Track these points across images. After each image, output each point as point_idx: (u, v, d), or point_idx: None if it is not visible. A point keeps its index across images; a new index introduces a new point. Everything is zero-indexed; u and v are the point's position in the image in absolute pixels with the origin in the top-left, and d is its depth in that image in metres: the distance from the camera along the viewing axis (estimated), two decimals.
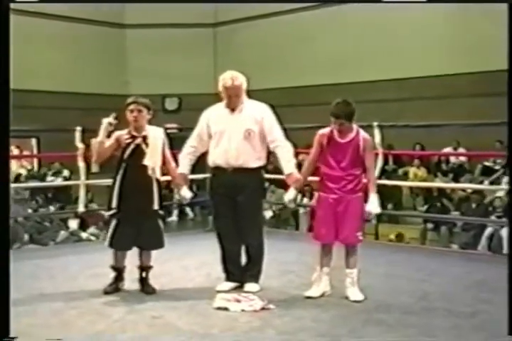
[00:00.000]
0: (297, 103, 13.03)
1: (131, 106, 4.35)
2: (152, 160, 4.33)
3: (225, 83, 4.39)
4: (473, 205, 9.90)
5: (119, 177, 4.38)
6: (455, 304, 4.13)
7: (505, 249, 8.86)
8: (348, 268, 4.27)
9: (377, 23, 12.62)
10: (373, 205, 4.22)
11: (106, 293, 4.37)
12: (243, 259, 4.59)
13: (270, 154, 4.54)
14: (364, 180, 4.32)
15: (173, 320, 3.80)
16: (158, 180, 4.41)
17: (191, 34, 15.45)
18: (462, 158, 11.96)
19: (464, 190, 10.44)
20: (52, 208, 11.66)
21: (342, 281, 4.31)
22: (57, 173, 13.52)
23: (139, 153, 4.35)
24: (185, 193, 4.55)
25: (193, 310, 4.01)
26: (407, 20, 12.22)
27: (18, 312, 3.59)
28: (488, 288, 4.58)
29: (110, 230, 4.41)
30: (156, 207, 4.40)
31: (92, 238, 10.58)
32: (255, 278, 4.50)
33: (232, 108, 4.43)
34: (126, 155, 4.38)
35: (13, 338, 2.99)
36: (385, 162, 8.97)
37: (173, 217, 13.78)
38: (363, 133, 4.28)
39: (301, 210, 11.06)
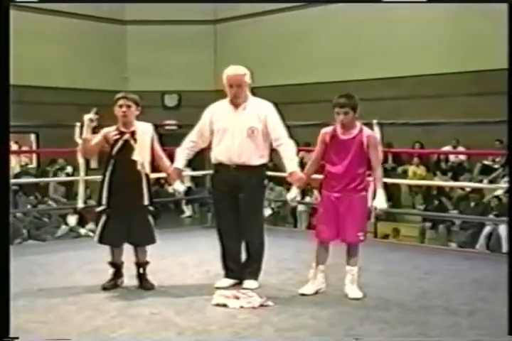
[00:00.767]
0: (296, 101, 13.01)
1: (120, 102, 4.35)
2: (141, 155, 4.33)
3: (227, 72, 4.40)
4: (472, 204, 9.90)
5: (108, 174, 4.39)
6: (453, 302, 4.14)
7: (504, 248, 8.88)
8: (348, 265, 4.27)
9: (375, 22, 12.62)
10: (380, 200, 4.21)
11: (104, 289, 4.37)
12: (243, 256, 4.59)
13: (272, 152, 4.54)
14: (370, 179, 4.31)
15: (171, 316, 3.80)
16: (147, 176, 4.41)
17: (191, 31, 15.43)
18: (461, 157, 11.96)
19: (462, 188, 10.44)
20: (51, 204, 11.65)
21: (340, 279, 4.32)
22: (61, 169, 13.50)
23: (127, 148, 4.35)
24: (179, 186, 4.54)
25: (192, 306, 4.01)
26: (404, 18, 12.21)
27: (15, 307, 3.59)
28: (486, 287, 4.58)
29: (100, 226, 4.42)
30: (146, 202, 4.40)
31: (91, 234, 10.55)
32: (254, 275, 4.51)
33: (235, 101, 4.42)
34: (114, 151, 4.38)
35: (13, 338, 2.99)
36: (385, 160, 8.98)
37: (188, 213, 13.76)
38: (366, 130, 4.27)
39: (300, 208, 11.06)
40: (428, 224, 10.13)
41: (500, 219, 9.01)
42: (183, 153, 4.56)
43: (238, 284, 4.47)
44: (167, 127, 11.82)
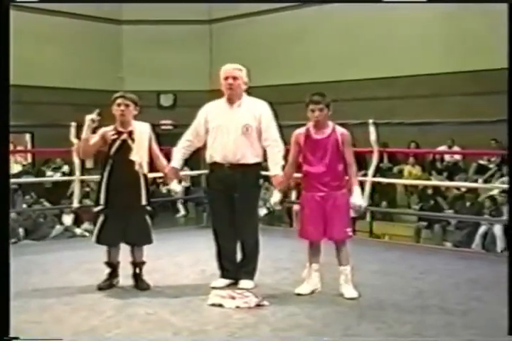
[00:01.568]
0: (291, 100, 12.95)
1: (118, 101, 4.35)
2: (139, 155, 4.33)
3: (224, 67, 4.44)
4: (467, 204, 9.92)
5: (106, 174, 4.38)
6: (448, 302, 4.14)
7: (499, 247, 8.90)
8: (341, 265, 4.27)
9: (371, 22, 12.61)
10: (357, 197, 4.24)
11: (100, 289, 4.37)
12: (238, 256, 4.59)
13: (265, 151, 4.55)
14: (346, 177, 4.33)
15: (167, 316, 3.80)
16: (145, 176, 4.40)
17: (187, 31, 15.41)
18: (457, 157, 11.97)
19: (458, 188, 10.46)
20: (46, 204, 11.63)
21: (335, 278, 4.32)
22: (56, 169, 13.48)
23: (125, 148, 4.34)
24: (175, 187, 4.56)
25: (187, 306, 4.01)
26: (400, 19, 12.21)
27: (10, 307, 3.58)
28: (481, 286, 4.59)
29: (97, 226, 4.42)
30: (143, 202, 4.40)
31: (86, 234, 10.56)
32: (250, 275, 4.51)
33: (229, 95, 4.42)
34: (112, 151, 4.37)
35: (13, 338, 2.98)
36: (380, 160, 8.98)
37: (182, 212, 13.75)
38: (339, 129, 4.29)
39: (296, 207, 11.05)
40: (423, 224, 10.14)
41: (495, 219, 9.04)
42: (179, 152, 4.56)
43: (234, 284, 4.47)
44: (163, 127, 11.81)
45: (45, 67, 14.01)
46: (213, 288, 4.37)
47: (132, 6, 15.27)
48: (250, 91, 4.56)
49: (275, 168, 4.40)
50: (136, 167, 4.32)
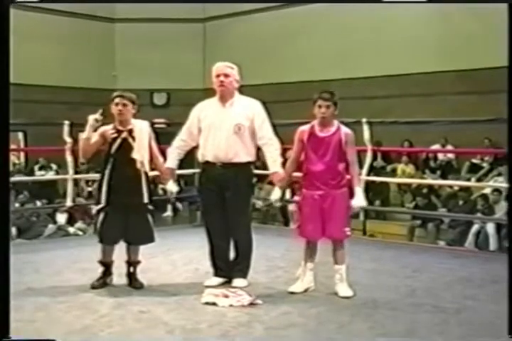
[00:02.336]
0: (285, 99, 13.01)
1: (117, 100, 4.34)
2: (140, 154, 4.32)
3: (215, 65, 4.44)
4: (460, 202, 9.94)
5: (107, 172, 4.37)
6: (441, 300, 4.15)
7: (492, 246, 8.93)
8: (336, 264, 4.28)
9: (365, 21, 12.61)
10: (358, 199, 4.24)
11: (93, 287, 4.36)
12: (231, 254, 4.59)
13: (259, 150, 4.55)
14: (348, 176, 4.33)
15: (160, 314, 3.80)
16: (146, 174, 4.40)
17: (180, 29, 15.38)
18: (450, 155, 12.00)
19: (451, 186, 10.48)
20: (39, 203, 11.59)
21: (329, 277, 4.33)
22: (44, 168, 13.45)
23: (126, 147, 4.34)
24: (172, 187, 4.55)
25: (181, 305, 4.01)
26: (394, 17, 12.22)
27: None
28: (474, 285, 4.61)
29: (98, 224, 4.40)
30: (145, 200, 4.39)
31: (80, 233, 10.53)
32: (243, 274, 4.51)
33: (221, 93, 4.41)
34: (113, 150, 4.36)
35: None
36: (374, 158, 8.99)
37: (168, 212, 13.71)
38: (344, 128, 4.29)
39: (291, 208, 11.05)
40: (417, 222, 10.16)
41: (488, 218, 9.07)
42: (174, 152, 4.57)
43: (227, 282, 4.47)
44: (156, 126, 11.77)
45: (38, 65, 13.96)
46: (207, 286, 4.37)
47: (125, 4, 15.23)
48: (244, 89, 4.55)
49: (274, 165, 4.39)
50: (138, 165, 4.31)
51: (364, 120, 6.42)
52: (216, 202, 4.47)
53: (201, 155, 4.50)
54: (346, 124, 4.40)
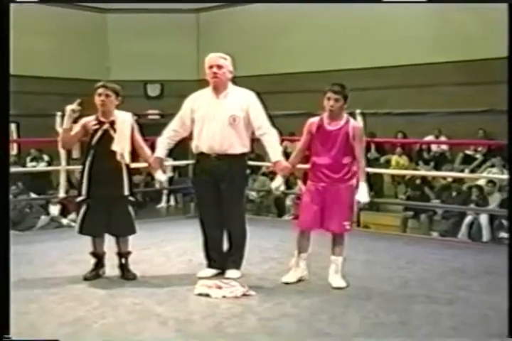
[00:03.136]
0: (280, 90, 12.99)
1: (99, 90, 4.31)
2: (120, 146, 4.30)
3: (208, 56, 4.41)
4: (454, 193, 9.97)
5: (87, 164, 4.36)
6: (434, 291, 4.17)
7: (485, 237, 8.96)
8: (333, 255, 4.28)
9: (360, 12, 12.57)
10: (362, 194, 4.22)
11: (86, 279, 4.36)
12: (225, 246, 4.58)
13: (254, 142, 4.53)
14: (355, 169, 4.32)
15: (153, 306, 3.79)
16: (127, 166, 4.38)
17: (174, 19, 15.29)
18: (443, 147, 12.01)
19: (444, 178, 10.50)
20: (32, 194, 11.56)
21: (323, 268, 4.33)
22: (36, 159, 13.41)
23: (107, 138, 4.31)
24: (160, 176, 4.52)
25: (174, 296, 4.01)
26: (390, 9, 12.17)
27: None
28: (466, 276, 4.63)
29: (80, 216, 4.40)
30: (126, 192, 4.37)
31: (73, 224, 10.49)
32: (237, 265, 4.51)
33: (214, 85, 4.38)
34: (94, 141, 4.34)
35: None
36: (368, 150, 8.99)
37: (163, 204, 13.73)
38: (353, 122, 4.28)
39: (288, 202, 11.07)
40: (410, 214, 10.18)
41: (481, 209, 9.09)
42: (163, 142, 4.53)
43: (220, 274, 4.47)
44: (150, 117, 11.75)
45: (31, 56, 13.86)
46: (200, 277, 4.37)
47: None
48: (238, 80, 4.53)
49: (275, 154, 4.37)
50: (118, 157, 4.29)
51: (358, 111, 6.40)
52: (210, 194, 4.46)
53: (195, 147, 4.48)
54: None
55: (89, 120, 4.36)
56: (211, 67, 4.36)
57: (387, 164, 11.86)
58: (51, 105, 8.53)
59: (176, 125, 4.53)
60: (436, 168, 11.21)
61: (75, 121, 4.37)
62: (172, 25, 15.22)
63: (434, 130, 11.41)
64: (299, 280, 4.31)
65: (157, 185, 4.57)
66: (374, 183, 11.14)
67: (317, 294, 4.06)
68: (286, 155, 4.51)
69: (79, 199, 4.39)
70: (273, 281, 4.37)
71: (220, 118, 4.36)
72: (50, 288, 4.15)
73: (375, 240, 6.19)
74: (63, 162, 6.67)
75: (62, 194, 6.86)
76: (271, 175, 9.66)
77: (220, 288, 4.07)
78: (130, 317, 3.60)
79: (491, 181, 9.38)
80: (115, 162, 4.29)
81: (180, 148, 4.73)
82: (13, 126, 14.30)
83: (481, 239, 8.95)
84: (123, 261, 4.45)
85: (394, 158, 11.90)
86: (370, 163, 10.96)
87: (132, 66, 14.69)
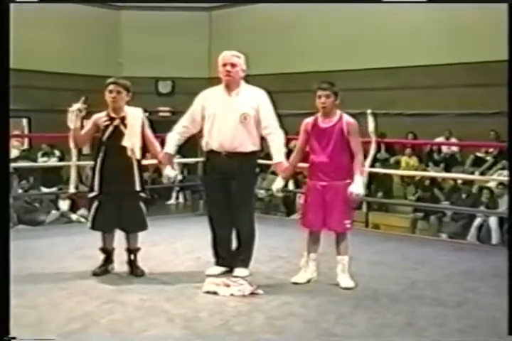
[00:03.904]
0: (290, 89, 12.97)
1: (110, 87, 4.32)
2: (131, 142, 4.31)
3: (222, 54, 4.42)
4: (463, 195, 9.93)
5: (99, 160, 4.37)
6: (442, 293, 4.16)
7: (494, 239, 8.92)
8: (339, 254, 4.28)
9: (372, 11, 12.55)
10: (356, 186, 4.17)
11: (95, 274, 4.38)
12: (234, 244, 4.59)
13: (263, 140, 4.53)
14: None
15: (161, 302, 3.81)
16: (138, 161, 4.39)
17: (186, 17, 15.32)
18: (454, 148, 11.97)
19: (454, 180, 10.46)
20: (43, 189, 11.61)
21: (331, 268, 4.33)
22: (47, 154, 13.46)
23: (117, 134, 4.32)
24: (169, 172, 4.52)
25: (182, 293, 4.02)
26: (401, 9, 12.14)
27: None
28: (474, 278, 4.61)
29: (92, 212, 4.42)
30: (137, 188, 4.38)
31: (82, 219, 10.54)
32: (245, 263, 4.51)
33: (227, 83, 4.38)
34: (105, 137, 4.36)
35: (13, 338, 2.98)
36: (378, 150, 8.97)
37: (172, 201, 13.76)
38: (346, 117, 4.27)
39: (299, 199, 11.04)
40: (419, 215, 10.15)
41: (491, 211, 9.06)
42: (173, 138, 4.53)
43: (229, 272, 4.48)
44: (160, 114, 11.77)
45: (43, 51, 13.94)
46: (208, 275, 4.38)
47: None
48: (249, 79, 4.53)
49: (278, 155, 4.38)
50: (129, 153, 4.30)
51: (369, 111, 6.40)
52: (220, 191, 4.46)
53: (206, 144, 4.48)
54: (351, 115, 4.38)
55: (100, 116, 4.38)
56: (225, 65, 4.36)
57: (397, 165, 11.83)
58: (63, 101, 8.56)
59: (187, 121, 4.53)
60: (447, 169, 11.17)
61: (85, 117, 4.38)
62: (184, 23, 15.24)
63: (445, 131, 11.37)
64: (309, 281, 4.31)
65: (165, 181, 4.53)
66: (383, 184, 11.15)
67: (325, 294, 4.06)
68: None
69: (91, 195, 4.41)
70: (281, 280, 4.37)
71: (231, 116, 4.36)
72: (59, 283, 4.17)
73: (383, 241, 6.18)
74: (74, 157, 6.69)
75: (72, 189, 6.88)
76: (273, 175, 9.65)
77: (228, 286, 4.07)
78: (138, 313, 3.61)
79: (501, 183, 9.33)
80: (126, 158, 4.30)
81: (189, 146, 4.74)
82: (24, 121, 14.38)
83: (490, 241, 8.91)
84: (132, 257, 4.47)
85: (403, 159, 11.87)
86: (379, 163, 11.01)
87: (144, 63, 14.71)
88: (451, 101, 10.80)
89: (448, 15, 11.78)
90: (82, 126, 4.41)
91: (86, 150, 9.31)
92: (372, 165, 7.02)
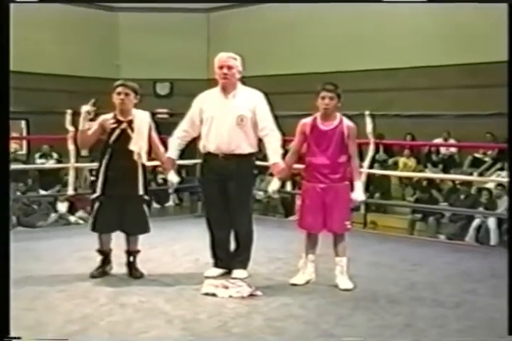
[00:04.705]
0: (289, 91, 12.98)
1: (119, 89, 4.31)
2: (138, 146, 4.31)
3: (218, 56, 4.41)
4: (462, 196, 9.94)
5: (104, 162, 4.36)
6: (441, 294, 4.16)
7: (493, 240, 8.93)
8: (337, 256, 4.28)
9: (370, 13, 12.56)
10: (358, 193, 4.22)
11: (93, 276, 4.37)
12: (232, 245, 4.59)
13: (260, 141, 4.53)
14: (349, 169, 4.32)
15: (160, 304, 3.81)
16: (143, 165, 4.39)
17: (184, 19, 15.32)
18: (452, 149, 11.99)
19: (453, 181, 10.47)
20: (41, 191, 11.60)
21: (330, 269, 4.33)
22: (45, 156, 13.45)
23: (124, 137, 4.32)
24: (173, 177, 4.53)
25: (181, 295, 4.01)
26: (399, 10, 12.17)
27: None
28: (473, 279, 4.61)
29: (93, 213, 4.42)
30: (141, 192, 4.38)
31: (81, 221, 10.55)
32: (243, 265, 4.51)
33: (224, 85, 4.39)
34: (111, 140, 4.35)
35: (13, 338, 2.97)
36: (376, 151, 8.97)
37: (170, 202, 13.75)
38: (346, 121, 4.27)
39: (298, 202, 11.04)
40: (418, 216, 10.16)
41: (489, 212, 9.06)
42: (175, 143, 4.54)
43: (227, 273, 4.48)
44: (159, 115, 11.76)
45: (41, 53, 13.93)
46: (207, 277, 4.38)
47: None
48: (247, 80, 4.53)
49: (274, 156, 4.38)
50: (135, 157, 4.30)
51: (367, 113, 6.40)
52: (217, 193, 4.46)
53: (203, 146, 4.49)
54: (349, 117, 4.39)
55: (107, 118, 4.36)
56: (221, 67, 4.36)
57: (395, 166, 11.84)
58: (61, 103, 8.58)
59: (186, 125, 4.53)
60: (445, 170, 11.18)
61: (92, 119, 4.37)
62: (182, 24, 15.24)
63: (443, 132, 11.38)
64: (307, 283, 4.31)
65: (170, 185, 4.55)
66: (381, 185, 11.15)
67: (324, 295, 4.06)
68: None
69: (93, 196, 4.40)
70: (280, 282, 4.37)
71: (228, 119, 4.36)
72: (58, 285, 4.17)
73: (381, 242, 6.18)
74: (72, 159, 6.69)
75: (70, 191, 6.88)
76: (270, 176, 9.66)
77: (226, 287, 4.07)
78: (137, 315, 3.61)
79: (500, 184, 9.34)
80: (132, 161, 4.30)
81: (187, 147, 4.74)
82: (22, 123, 14.38)
83: (489, 242, 8.92)
84: (131, 259, 4.46)
85: (401, 160, 11.88)
86: (378, 164, 11.01)
87: (142, 64, 14.70)
88: (450, 103, 10.81)
89: (446, 17, 11.80)
90: (88, 129, 4.40)
91: (84, 152, 9.32)
92: (370, 167, 7.02)
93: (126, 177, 4.32)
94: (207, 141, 4.44)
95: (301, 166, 4.51)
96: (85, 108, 4.31)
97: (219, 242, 4.56)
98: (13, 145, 14.58)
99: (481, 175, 10.36)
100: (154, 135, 4.46)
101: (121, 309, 3.71)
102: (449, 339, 3.32)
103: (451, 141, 11.47)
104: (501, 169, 10.12)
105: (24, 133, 14.48)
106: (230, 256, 4.56)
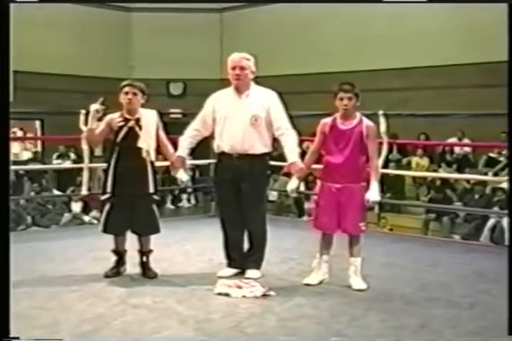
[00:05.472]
0: (302, 90, 12.98)
1: (126, 89, 4.32)
2: (146, 143, 4.31)
3: (231, 56, 4.40)
4: (476, 196, 9.88)
5: (113, 161, 4.36)
6: (455, 294, 4.13)
7: (507, 240, 8.86)
8: (352, 256, 4.27)
9: (384, 12, 12.53)
10: (373, 193, 4.18)
11: (107, 276, 4.38)
12: (245, 245, 4.59)
13: (275, 141, 4.52)
14: (368, 169, 4.30)
15: (173, 304, 3.81)
16: (152, 163, 4.39)
17: (197, 19, 15.36)
18: (466, 149, 11.92)
19: (467, 180, 10.41)
20: (56, 191, 11.67)
21: (343, 269, 4.31)
22: (62, 156, 13.55)
23: (132, 135, 4.32)
24: (182, 176, 4.52)
25: (194, 295, 4.02)
26: (413, 9, 12.12)
27: (17, 294, 3.60)
28: (487, 279, 4.58)
29: (104, 214, 4.41)
30: (150, 190, 4.38)
31: (95, 221, 10.60)
32: (257, 265, 4.51)
33: (237, 86, 4.38)
34: (119, 139, 4.35)
35: (13, 338, 2.98)
36: (390, 151, 8.95)
37: (184, 202, 13.80)
38: (366, 121, 4.25)
39: (307, 205, 11.04)
40: (432, 216, 10.11)
41: (504, 212, 8.99)
42: (186, 141, 4.53)
43: (240, 273, 4.48)
44: (172, 115, 11.80)
45: (55, 54, 14.02)
46: (220, 277, 4.38)
47: None
48: (260, 80, 4.52)
49: (292, 155, 4.35)
50: (144, 154, 4.30)
51: (381, 112, 6.37)
52: (231, 193, 4.46)
53: (217, 146, 4.48)
54: (364, 116, 4.36)
55: (114, 117, 4.37)
56: (234, 68, 4.36)
57: (409, 166, 11.80)
58: (75, 103, 8.60)
59: (198, 124, 4.53)
60: (459, 170, 11.12)
61: (100, 119, 4.39)
62: (196, 24, 15.28)
63: (458, 132, 11.33)
64: (321, 283, 4.30)
65: (180, 183, 4.55)
66: (395, 185, 11.12)
67: (337, 296, 4.05)
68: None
69: (103, 197, 4.41)
70: (293, 282, 4.36)
71: (241, 118, 4.36)
72: (71, 285, 4.18)
73: (395, 242, 6.16)
74: (86, 159, 6.72)
75: (84, 191, 6.90)
76: (287, 176, 9.64)
77: (240, 287, 4.07)
78: (150, 315, 3.61)
79: None
80: (140, 159, 4.30)
81: (201, 147, 4.74)
82: (37, 124, 14.48)
83: (504, 242, 8.85)
84: (144, 259, 4.47)
85: (414, 160, 11.84)
86: (393, 164, 10.98)
87: (155, 65, 14.76)
88: (464, 102, 10.76)
89: (462, 16, 11.75)
90: (95, 128, 4.41)
91: (98, 151, 9.36)
92: (384, 166, 7.00)
93: (135, 176, 4.32)
94: (221, 141, 4.43)
95: (316, 166, 4.49)
96: (94, 106, 4.32)
97: (232, 242, 4.56)
98: (27, 146, 14.71)
99: (495, 174, 10.29)
100: (162, 134, 4.46)
101: (134, 309, 3.71)
102: (464, 340, 3.30)
103: (466, 141, 11.41)
104: None
105: (39, 134, 14.58)
106: (243, 256, 4.55)
